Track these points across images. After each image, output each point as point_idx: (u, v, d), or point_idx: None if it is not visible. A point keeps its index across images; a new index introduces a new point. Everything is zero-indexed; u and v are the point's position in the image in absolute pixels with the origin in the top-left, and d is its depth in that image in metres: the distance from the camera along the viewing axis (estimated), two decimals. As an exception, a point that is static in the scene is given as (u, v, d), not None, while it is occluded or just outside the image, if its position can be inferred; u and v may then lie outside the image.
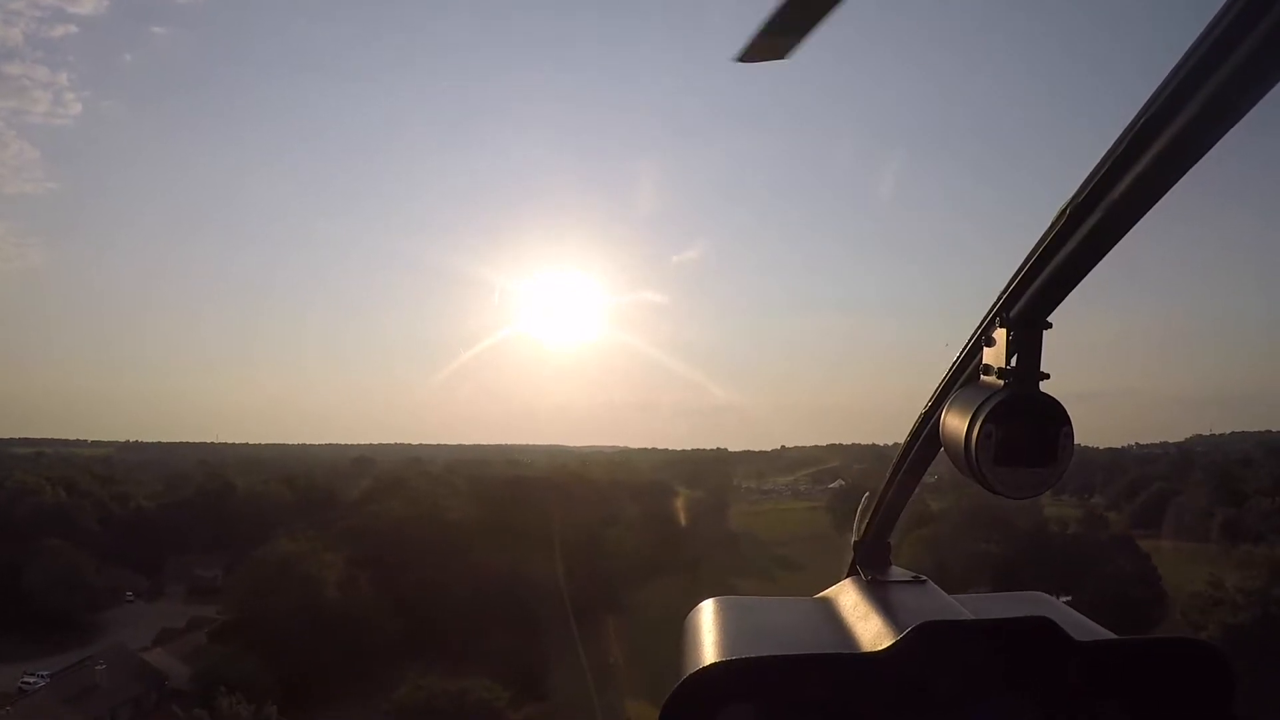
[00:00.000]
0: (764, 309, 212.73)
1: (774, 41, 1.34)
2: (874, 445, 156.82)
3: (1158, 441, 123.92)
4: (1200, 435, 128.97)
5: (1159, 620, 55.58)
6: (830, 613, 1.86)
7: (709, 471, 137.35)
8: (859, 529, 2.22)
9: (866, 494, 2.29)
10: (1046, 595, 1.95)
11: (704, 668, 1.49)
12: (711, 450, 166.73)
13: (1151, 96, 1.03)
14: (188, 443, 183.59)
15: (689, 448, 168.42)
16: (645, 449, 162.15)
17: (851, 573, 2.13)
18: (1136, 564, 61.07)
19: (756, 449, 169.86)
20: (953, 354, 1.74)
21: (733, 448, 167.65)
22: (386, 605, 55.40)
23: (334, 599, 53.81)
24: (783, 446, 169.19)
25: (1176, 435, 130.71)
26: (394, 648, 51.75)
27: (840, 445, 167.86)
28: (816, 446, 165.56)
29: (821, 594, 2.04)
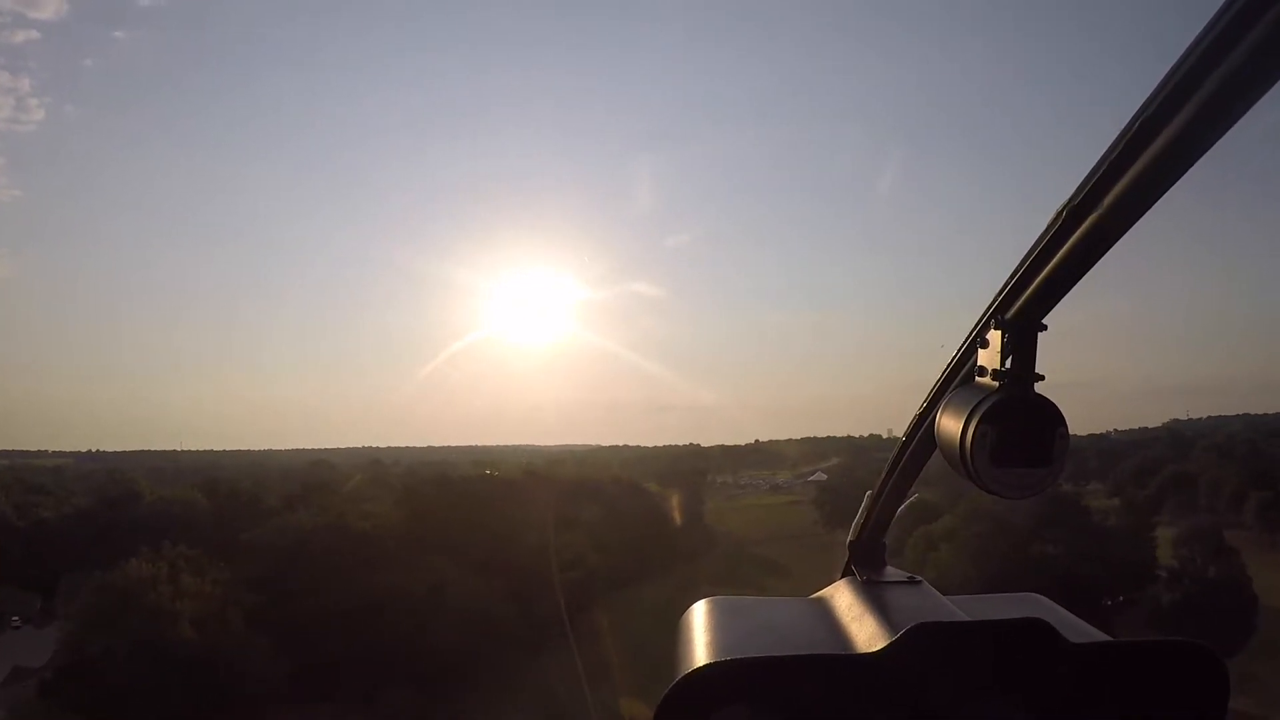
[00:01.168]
0: (737, 305, 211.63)
1: None
2: (849, 438, 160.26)
3: (1136, 426, 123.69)
4: (1178, 419, 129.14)
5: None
6: (825, 613, 1.85)
7: (681, 467, 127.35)
8: (854, 529, 2.18)
9: (869, 492, 2.24)
10: (1041, 596, 1.92)
11: (698, 668, 1.49)
12: (684, 446, 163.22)
13: (1149, 98, 1.03)
14: (150, 450, 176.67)
15: (661, 444, 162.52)
16: (616, 446, 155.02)
17: (846, 573, 2.09)
18: (1219, 564, 50.75)
19: (730, 443, 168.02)
20: (948, 355, 1.71)
21: (706, 443, 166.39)
22: (266, 642, 43.95)
23: (189, 638, 42.08)
24: (756, 441, 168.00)
25: (1154, 421, 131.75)
26: (271, 698, 40.45)
27: (815, 439, 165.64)
28: (790, 440, 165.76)
29: (816, 594, 2.02)
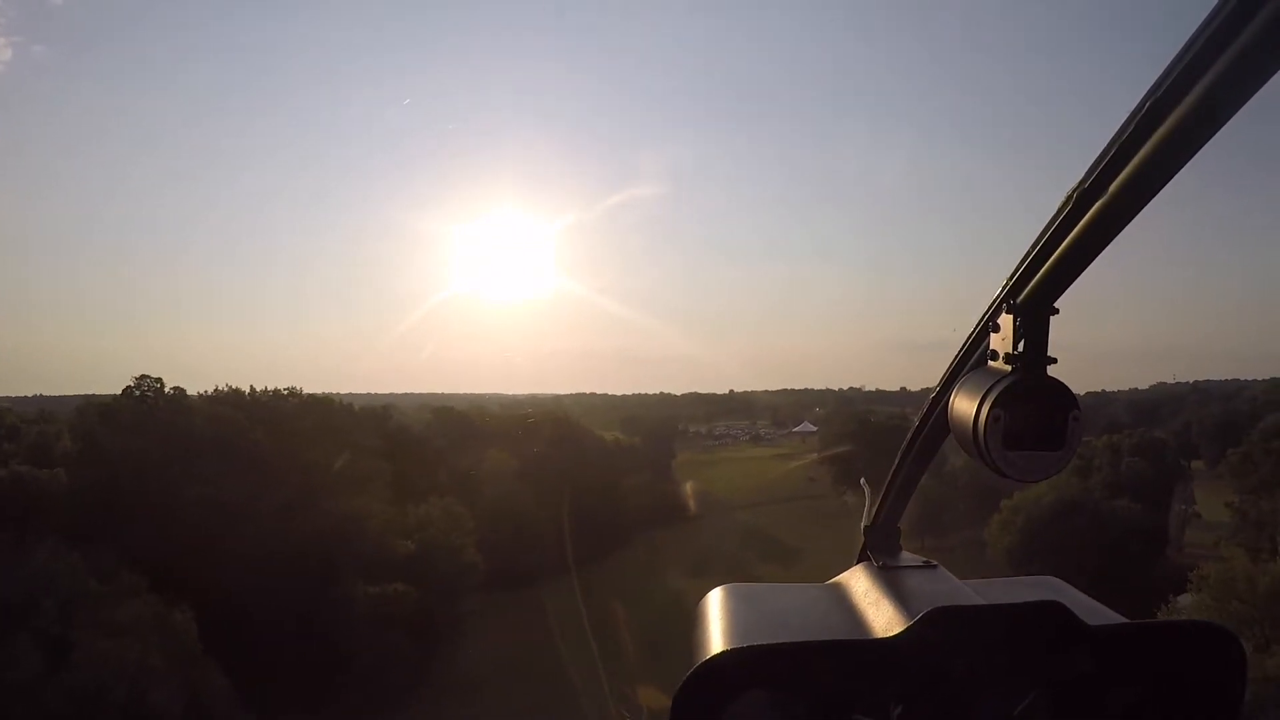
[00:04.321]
0: (714, 255, 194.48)
1: None
2: (828, 390, 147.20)
3: (1127, 388, 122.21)
4: (1164, 383, 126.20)
5: None
6: (841, 599, 1.84)
7: (649, 415, 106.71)
8: (869, 514, 2.17)
9: (862, 479, 2.30)
10: (1058, 580, 1.91)
11: (715, 655, 1.48)
12: (654, 395, 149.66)
13: (1158, 80, 1.04)
14: (98, 395, 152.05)
15: (630, 393, 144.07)
16: (582, 394, 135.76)
17: (862, 558, 2.07)
18: None
19: (705, 391, 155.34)
20: (960, 338, 1.71)
21: (678, 391, 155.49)
22: None
23: None
24: (731, 391, 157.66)
25: (1143, 383, 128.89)
26: None
27: (792, 390, 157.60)
28: (767, 391, 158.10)
29: (832, 580, 2.00)
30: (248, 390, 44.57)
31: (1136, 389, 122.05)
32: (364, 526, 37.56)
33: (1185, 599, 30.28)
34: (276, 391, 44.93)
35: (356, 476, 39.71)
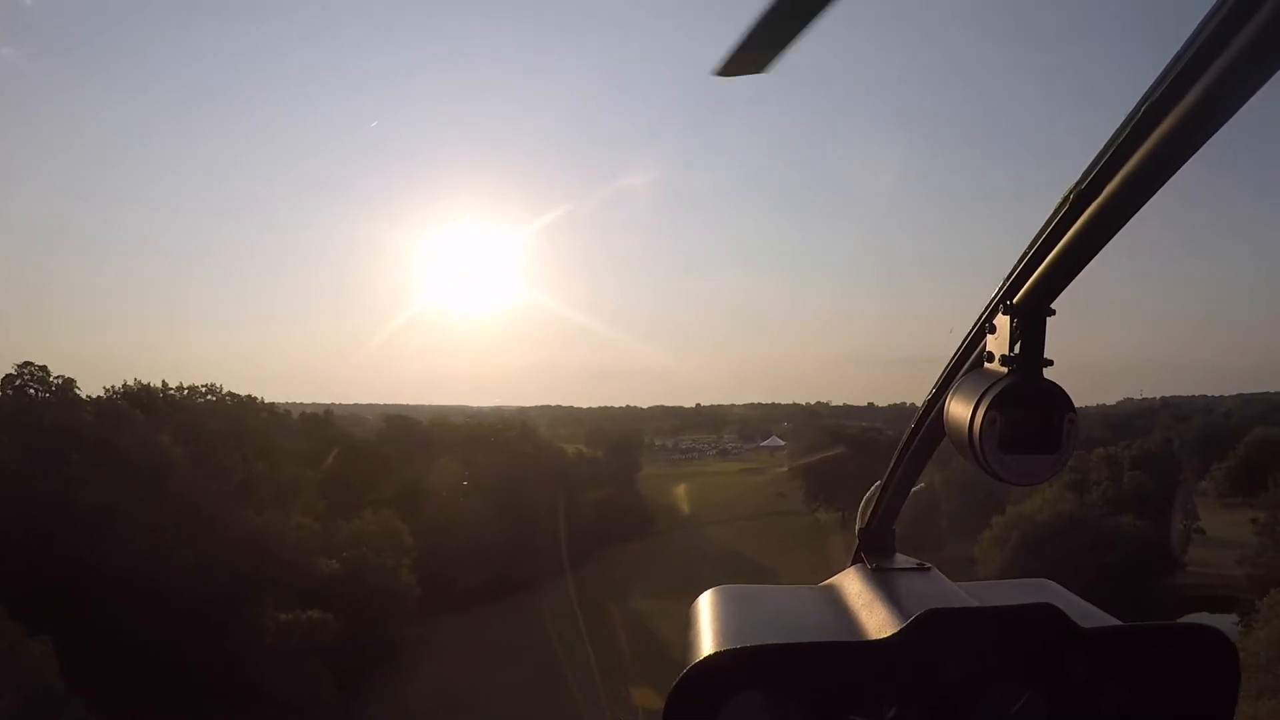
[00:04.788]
0: (681, 270, 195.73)
1: (754, 56, 1.31)
2: (796, 404, 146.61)
3: (1094, 404, 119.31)
4: (1131, 399, 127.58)
5: None
6: (835, 601, 1.85)
7: (614, 428, 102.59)
8: (863, 516, 2.17)
9: (877, 484, 2.21)
10: (1051, 582, 1.91)
11: (709, 656, 1.50)
12: (620, 408, 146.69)
13: (1155, 81, 1.04)
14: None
15: (595, 405, 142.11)
16: (546, 406, 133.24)
17: (856, 560, 2.08)
18: None
19: (671, 404, 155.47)
20: (956, 340, 1.71)
21: (644, 404, 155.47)
22: None
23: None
24: (699, 405, 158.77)
25: (1110, 399, 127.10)
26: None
27: (760, 404, 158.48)
28: (734, 405, 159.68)
29: (826, 582, 2.00)
30: (160, 386, 39.42)
31: (1104, 404, 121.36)
32: (280, 542, 32.59)
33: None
34: (193, 389, 39.73)
35: (278, 486, 34.86)
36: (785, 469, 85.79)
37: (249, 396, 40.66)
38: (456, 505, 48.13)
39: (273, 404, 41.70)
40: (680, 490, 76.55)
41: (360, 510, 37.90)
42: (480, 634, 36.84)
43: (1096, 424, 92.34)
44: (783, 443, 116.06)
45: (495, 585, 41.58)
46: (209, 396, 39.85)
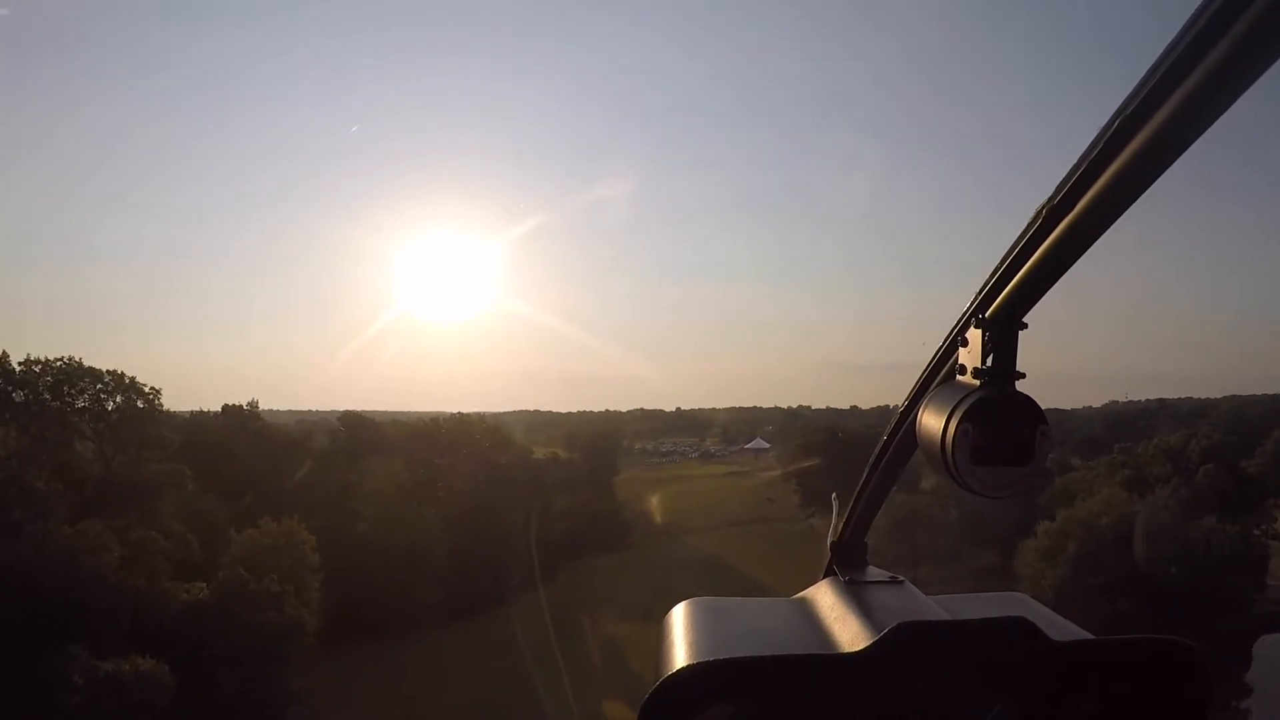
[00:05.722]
0: (660, 275, 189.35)
1: None
2: (777, 408, 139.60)
3: (1081, 406, 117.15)
4: (1117, 401, 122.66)
5: None
6: (807, 614, 1.84)
7: (591, 431, 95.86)
8: (835, 529, 2.17)
9: (845, 495, 2.28)
10: (1024, 595, 1.93)
11: (681, 669, 1.49)
12: (599, 413, 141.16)
13: (1128, 97, 1.05)
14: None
15: (573, 410, 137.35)
16: (522, 410, 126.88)
17: (828, 573, 2.08)
18: None
19: (652, 408, 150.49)
20: (929, 353, 1.73)
21: (624, 408, 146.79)
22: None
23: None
24: (679, 409, 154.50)
25: (1096, 402, 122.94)
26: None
27: (741, 408, 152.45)
28: (715, 409, 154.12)
29: (799, 595, 2.01)
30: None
31: (1090, 406, 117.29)
32: (102, 560, 24.88)
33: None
34: (27, 362, 31.38)
35: (131, 486, 27.40)
36: (776, 472, 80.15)
37: (116, 372, 32.96)
38: (404, 513, 40.99)
39: (149, 389, 34.09)
40: (661, 495, 69.98)
41: (258, 519, 30.64)
42: (414, 671, 29.59)
43: (1087, 424, 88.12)
44: (768, 445, 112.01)
45: (438, 607, 34.37)
46: (42, 373, 31.43)
